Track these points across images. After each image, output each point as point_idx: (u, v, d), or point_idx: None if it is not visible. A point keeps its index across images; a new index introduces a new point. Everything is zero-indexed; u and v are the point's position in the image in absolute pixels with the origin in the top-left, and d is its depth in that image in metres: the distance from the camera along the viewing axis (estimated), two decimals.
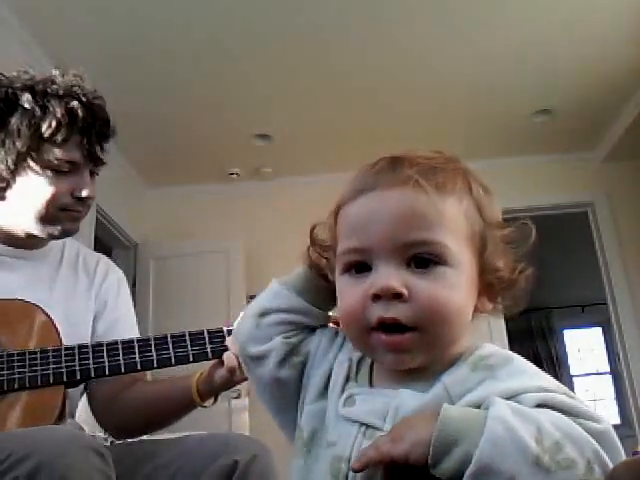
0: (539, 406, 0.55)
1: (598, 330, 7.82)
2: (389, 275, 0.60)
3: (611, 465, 0.52)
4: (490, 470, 0.49)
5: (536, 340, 7.70)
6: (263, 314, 0.74)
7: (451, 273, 0.60)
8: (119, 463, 1.11)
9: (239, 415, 3.60)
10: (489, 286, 0.65)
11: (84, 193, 1.19)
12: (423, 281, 0.60)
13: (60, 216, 1.19)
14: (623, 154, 3.95)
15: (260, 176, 4.21)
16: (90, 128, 1.20)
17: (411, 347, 0.60)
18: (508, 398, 0.56)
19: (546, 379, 0.60)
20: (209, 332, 1.17)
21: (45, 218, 1.18)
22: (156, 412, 1.24)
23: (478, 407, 0.56)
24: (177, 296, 3.81)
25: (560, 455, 0.50)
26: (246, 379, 1.11)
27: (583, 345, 7.94)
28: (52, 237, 1.23)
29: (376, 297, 0.60)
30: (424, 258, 0.60)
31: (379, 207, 0.62)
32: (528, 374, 0.60)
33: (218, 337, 1.16)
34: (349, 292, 0.63)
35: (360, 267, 0.63)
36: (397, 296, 0.59)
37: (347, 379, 0.67)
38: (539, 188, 4.05)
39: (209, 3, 2.64)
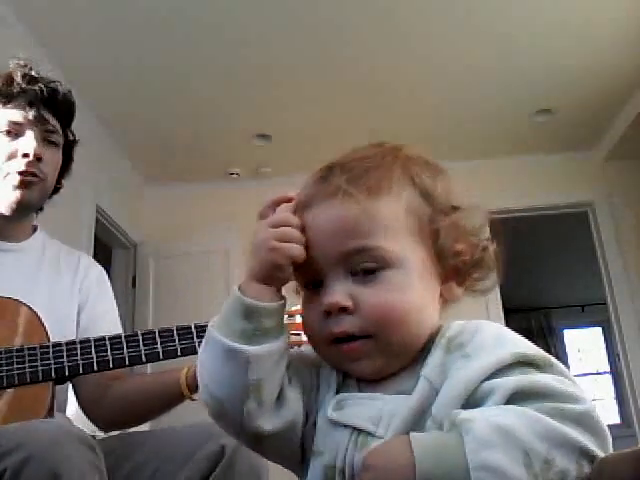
0: (515, 394, 0.53)
1: (598, 330, 7.82)
2: (334, 291, 0.60)
3: (597, 451, 0.51)
4: None
5: (536, 340, 7.66)
6: (257, 389, 0.60)
7: (396, 275, 0.60)
8: (109, 455, 1.11)
9: None
10: (455, 270, 0.64)
11: (28, 149, 1.23)
12: (368, 289, 0.60)
13: (11, 180, 1.23)
14: (623, 154, 3.95)
15: (260, 176, 4.21)
16: (31, 91, 1.26)
17: (367, 353, 0.60)
18: (482, 381, 0.54)
19: (515, 343, 0.58)
20: (196, 326, 1.17)
21: None
22: (144, 404, 1.25)
23: (462, 398, 0.54)
24: (177, 296, 3.81)
25: (552, 472, 0.49)
26: None
27: (583, 345, 7.93)
28: (13, 208, 1.25)
29: (327, 314, 0.61)
30: (368, 267, 0.60)
31: (315, 224, 0.63)
32: (497, 343, 0.58)
33: (205, 331, 1.17)
34: (307, 308, 0.64)
35: (315, 282, 0.63)
36: (343, 309, 0.60)
37: (337, 388, 0.64)
38: (539, 188, 4.05)
39: (209, 2, 2.65)
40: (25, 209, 1.29)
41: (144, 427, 1.32)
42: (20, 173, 1.23)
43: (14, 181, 1.23)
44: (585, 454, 0.50)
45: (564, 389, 0.53)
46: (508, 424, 0.50)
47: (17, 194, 1.24)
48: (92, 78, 3.06)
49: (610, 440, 0.53)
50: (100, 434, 1.27)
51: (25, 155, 1.23)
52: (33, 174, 1.25)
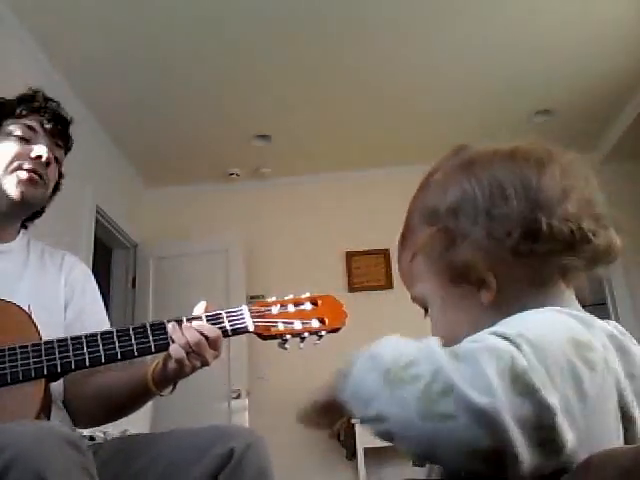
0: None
1: None
2: None
3: (457, 383, 0.48)
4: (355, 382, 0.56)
5: None
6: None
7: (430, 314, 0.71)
8: (113, 457, 1.11)
9: (239, 415, 3.60)
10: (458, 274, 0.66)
11: (40, 151, 1.31)
12: None
13: (20, 174, 1.29)
14: (623, 154, 3.95)
15: (260, 176, 4.21)
16: (45, 109, 1.36)
17: None
18: None
19: (511, 324, 0.55)
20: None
21: (5, 172, 1.29)
22: (115, 400, 1.25)
23: None
24: (177, 296, 3.81)
25: (408, 371, 0.51)
26: (195, 370, 1.13)
27: None
28: (14, 203, 1.29)
29: None
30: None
31: None
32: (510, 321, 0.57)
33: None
34: None
35: None
36: None
37: None
38: None
39: (210, 3, 2.65)
40: (25, 207, 1.33)
41: (146, 426, 1.32)
42: (29, 171, 1.29)
43: (21, 176, 1.29)
44: (438, 375, 0.50)
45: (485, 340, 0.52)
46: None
47: (21, 189, 1.28)
48: (92, 79, 3.06)
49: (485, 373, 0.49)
50: (100, 434, 1.27)
51: (37, 157, 1.30)
52: (40, 176, 1.31)
